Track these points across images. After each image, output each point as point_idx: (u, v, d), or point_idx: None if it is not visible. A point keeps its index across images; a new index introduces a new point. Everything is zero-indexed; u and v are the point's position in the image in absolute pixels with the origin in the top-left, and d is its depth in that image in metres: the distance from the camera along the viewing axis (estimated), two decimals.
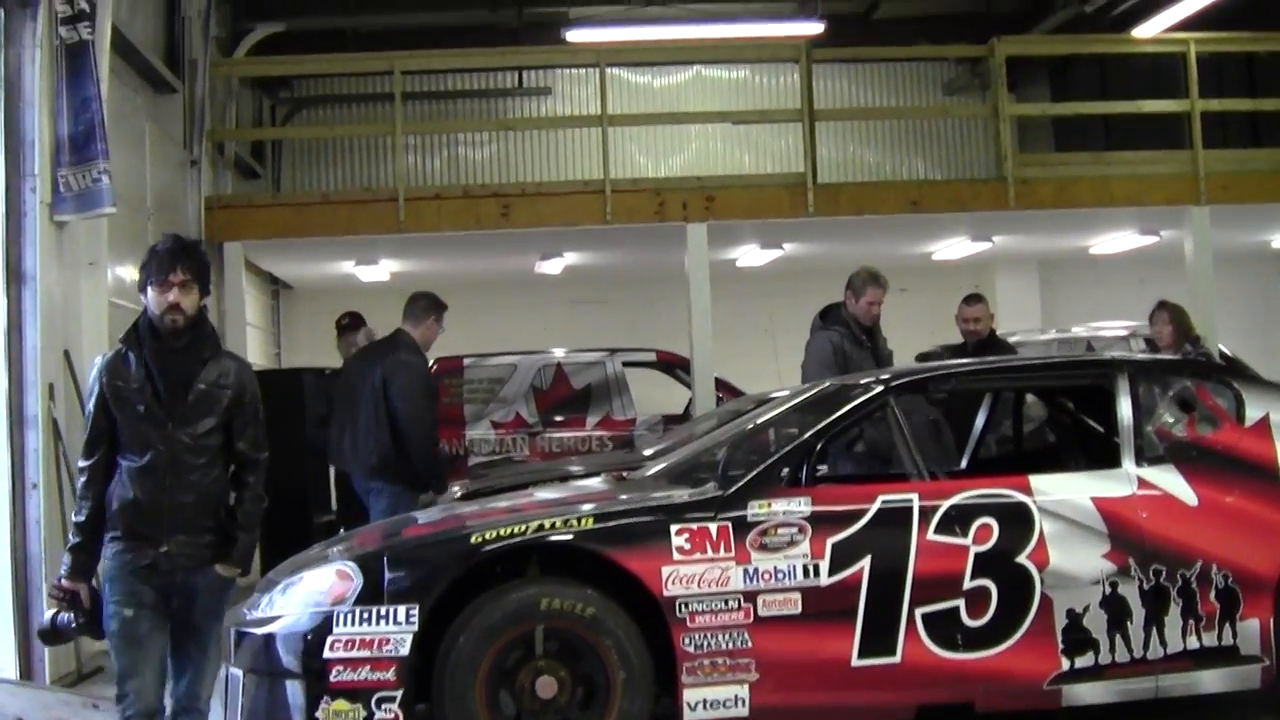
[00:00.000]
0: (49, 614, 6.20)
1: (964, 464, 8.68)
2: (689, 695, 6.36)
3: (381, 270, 18.09)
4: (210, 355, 6.09)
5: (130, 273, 11.77)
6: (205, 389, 6.03)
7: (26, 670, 8.65)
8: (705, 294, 14.83)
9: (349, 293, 19.97)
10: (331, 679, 6.14)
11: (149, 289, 5.94)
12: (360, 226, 14.81)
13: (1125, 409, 7.19)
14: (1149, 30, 16.55)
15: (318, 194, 17.67)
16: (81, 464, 6.04)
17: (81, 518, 6.03)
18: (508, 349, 16.07)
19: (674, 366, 16.02)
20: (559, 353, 16.28)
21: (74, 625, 6.10)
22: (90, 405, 6.07)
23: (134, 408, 5.92)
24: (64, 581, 6.08)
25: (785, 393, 10.12)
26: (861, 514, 6.61)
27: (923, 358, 11.97)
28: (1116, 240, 18.43)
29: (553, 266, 18.15)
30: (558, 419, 15.65)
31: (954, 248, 18.29)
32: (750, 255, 18.08)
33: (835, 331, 9.69)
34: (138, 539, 5.94)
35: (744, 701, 6.40)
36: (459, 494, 10.23)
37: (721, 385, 15.34)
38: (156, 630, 5.98)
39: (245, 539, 6.12)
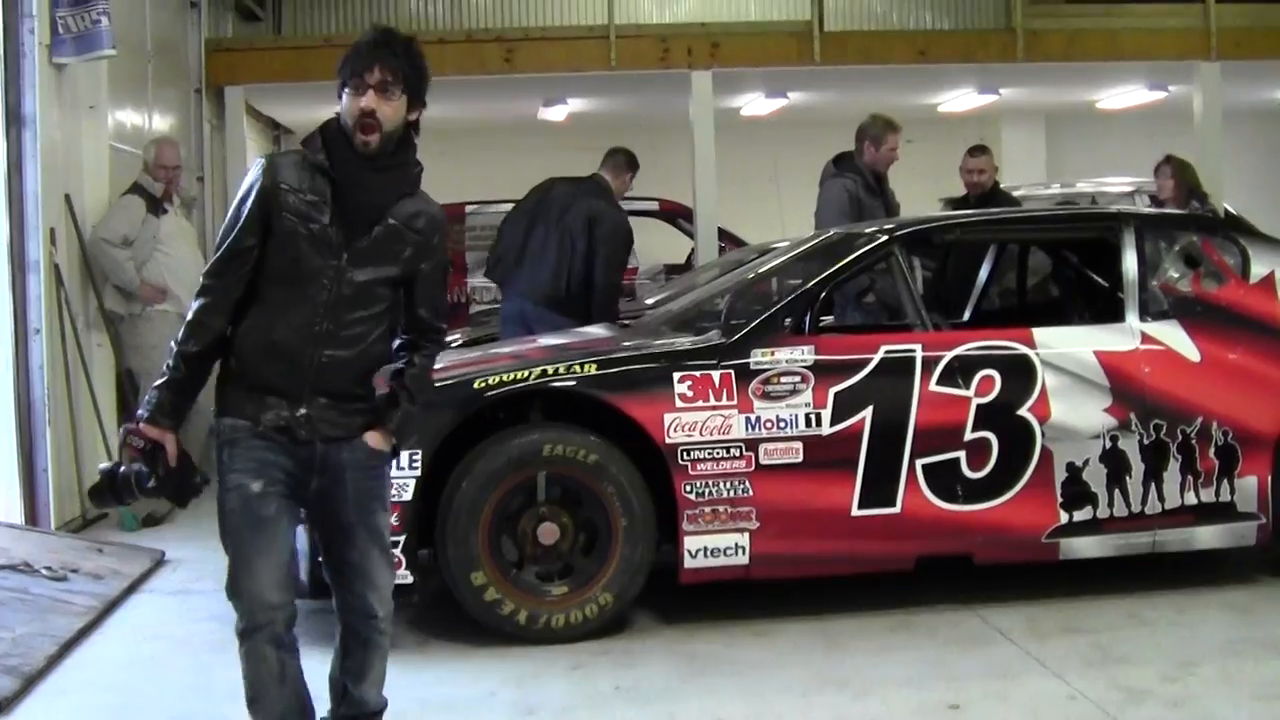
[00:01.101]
0: (109, 464, 4.78)
1: (967, 316, 8.68)
2: (689, 543, 6.41)
3: None
4: (409, 190, 4.78)
5: (130, 117, 11.68)
6: (395, 227, 4.72)
7: (32, 516, 8.71)
8: (709, 143, 14.72)
9: None
10: None
11: (344, 91, 4.62)
12: None
13: (1130, 263, 7.18)
14: None
15: (319, 37, 17.44)
16: (206, 281, 4.66)
17: (193, 347, 4.62)
18: (510, 196, 15.98)
19: (676, 216, 15.94)
20: None
21: (148, 483, 4.65)
22: (235, 210, 4.66)
23: (304, 225, 4.59)
24: (144, 426, 4.62)
25: (788, 242, 10.12)
26: (864, 364, 6.62)
27: (951, 203, 11.91)
28: (1124, 95, 18.28)
29: (556, 113, 18.03)
30: None
31: (960, 99, 18.15)
32: (755, 104, 17.94)
33: (849, 179, 9.67)
34: (271, 393, 4.61)
35: (744, 549, 6.45)
36: (460, 341, 10.26)
37: (724, 235, 15.28)
38: (285, 514, 4.71)
39: (407, 407, 4.82)
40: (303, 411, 4.60)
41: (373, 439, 4.74)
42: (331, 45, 14.97)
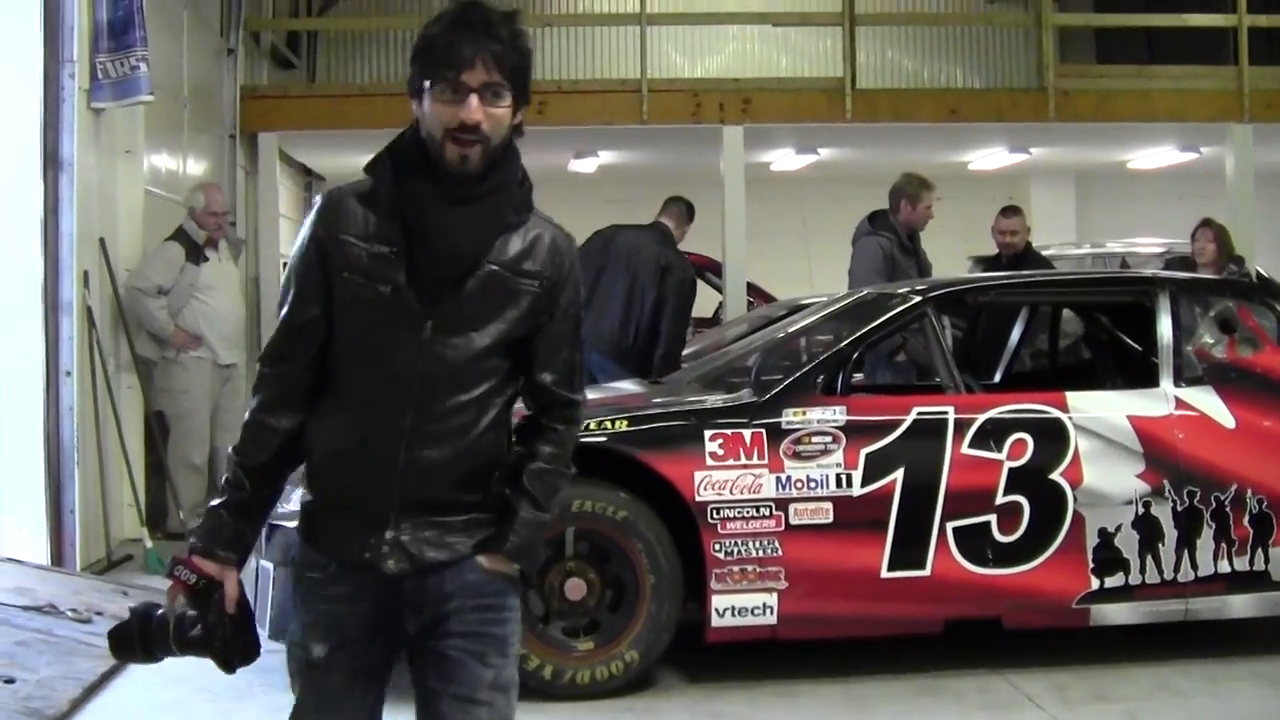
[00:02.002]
0: (140, 604, 3.56)
1: (998, 377, 8.66)
2: (717, 601, 6.38)
3: None
4: (516, 219, 3.45)
5: (166, 162, 11.74)
6: (498, 274, 3.39)
7: (57, 556, 8.70)
8: (740, 198, 14.74)
9: None
10: None
11: (425, 92, 3.33)
12: (396, 119, 14.26)
13: (1165, 327, 7.14)
14: None
15: (354, 86, 17.60)
16: (263, 369, 3.47)
17: (256, 457, 3.45)
18: None
19: (705, 269, 15.93)
20: None
21: (190, 631, 3.47)
22: (289, 272, 3.45)
23: (372, 287, 3.31)
24: (196, 558, 3.45)
25: (819, 299, 10.11)
26: (896, 425, 6.60)
27: (980, 261, 11.92)
28: (1156, 155, 18.29)
29: (587, 165, 18.09)
30: None
31: (991, 158, 18.18)
32: (785, 159, 17.99)
33: (884, 237, 9.70)
34: (350, 512, 3.41)
35: (772, 609, 6.41)
36: None
37: (753, 290, 15.29)
38: (356, 687, 3.49)
39: (531, 518, 3.48)
40: (390, 535, 3.36)
41: (489, 561, 3.42)
42: (365, 95, 15.14)
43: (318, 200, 3.47)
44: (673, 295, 9.73)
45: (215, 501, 3.52)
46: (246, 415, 3.48)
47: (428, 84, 3.32)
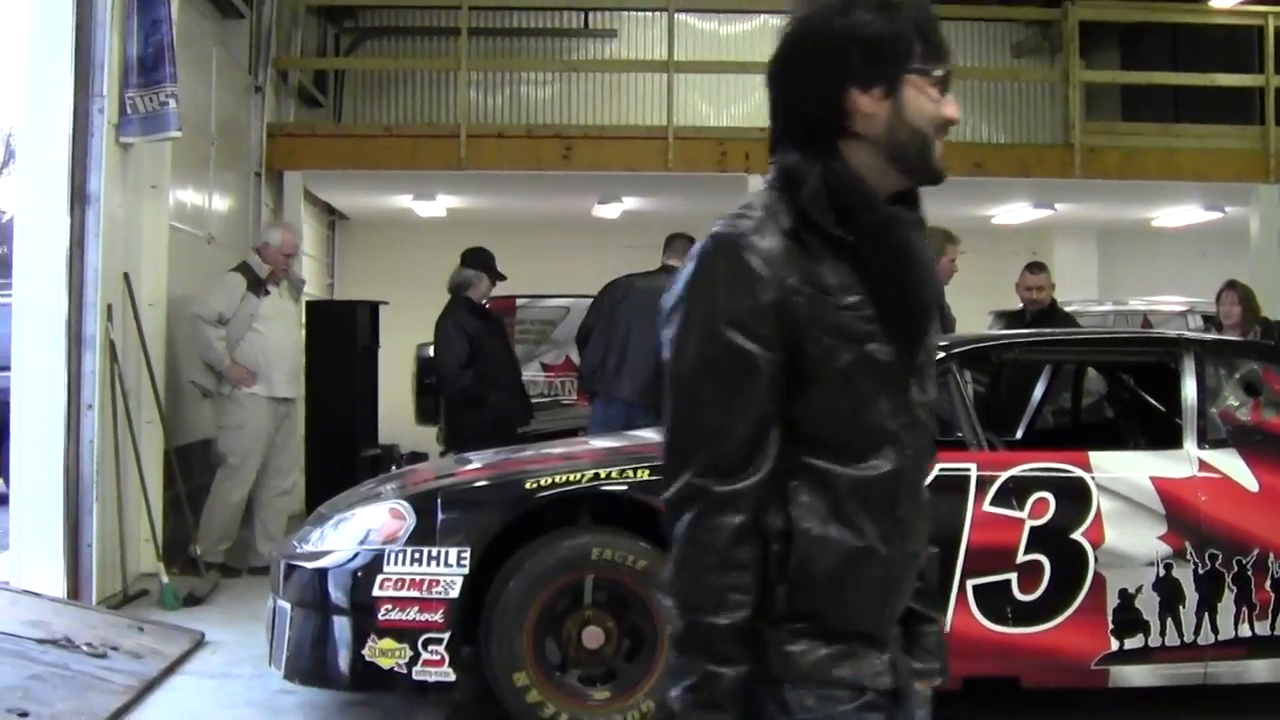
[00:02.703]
0: None
1: (1019, 434, 8.63)
2: None
3: (438, 206, 18.08)
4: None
5: (191, 198, 11.78)
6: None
7: (74, 590, 8.70)
8: None
9: (405, 227, 20.04)
10: (380, 617, 6.14)
11: (902, 84, 2.67)
12: (421, 161, 14.80)
13: (1190, 389, 7.09)
14: (1226, 1, 16.36)
15: (380, 126, 17.62)
16: (719, 487, 2.56)
17: (735, 608, 2.53)
18: (561, 291, 15.99)
19: None
20: None
21: None
22: (723, 351, 2.54)
23: (856, 348, 2.60)
24: None
25: None
26: None
27: (1001, 316, 11.88)
28: (1180, 214, 18.27)
29: (610, 210, 18.10)
30: None
31: (1015, 212, 18.17)
32: None
33: None
34: (857, 634, 2.65)
35: None
36: None
37: None
38: None
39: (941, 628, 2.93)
40: (888, 656, 2.67)
41: (925, 686, 2.84)
42: (391, 135, 15.21)
43: (707, 243, 2.65)
44: None
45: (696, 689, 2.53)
46: (695, 569, 2.55)
47: (910, 75, 2.66)
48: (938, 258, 9.75)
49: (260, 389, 10.18)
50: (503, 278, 11.01)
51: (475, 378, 10.36)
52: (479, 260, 10.86)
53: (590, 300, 15.75)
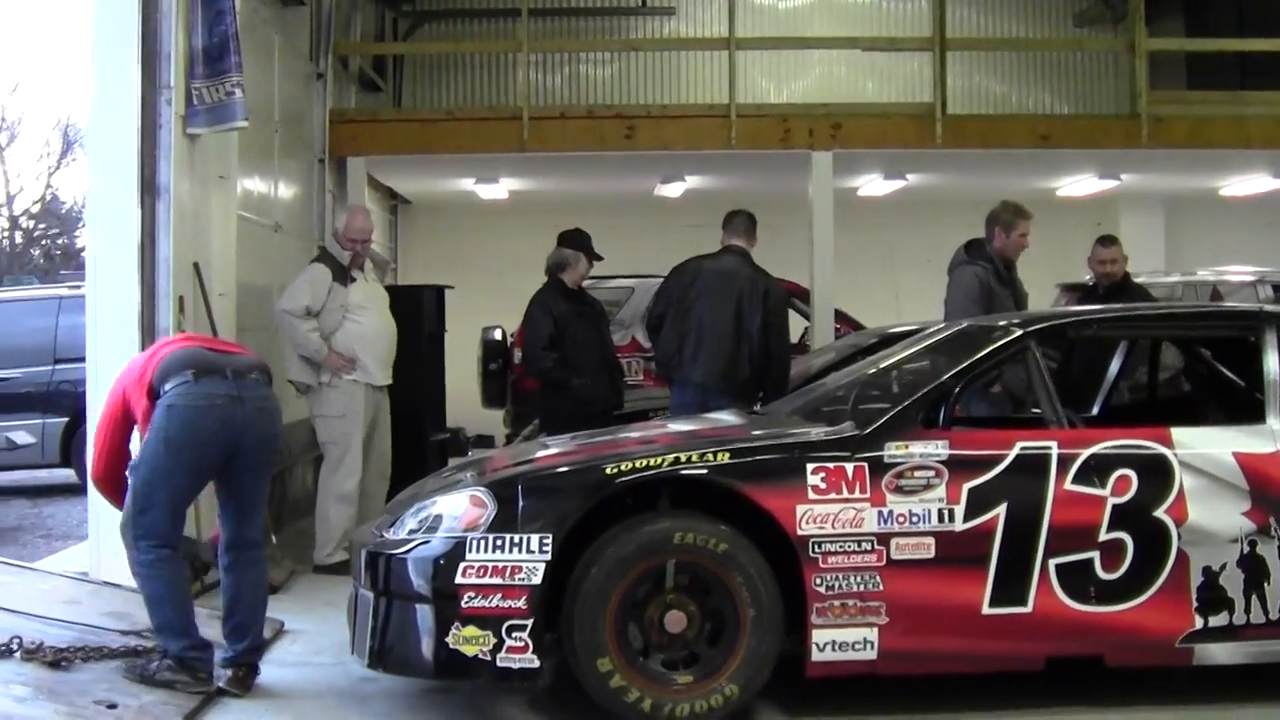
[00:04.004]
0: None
1: (1095, 410, 8.57)
2: (818, 636, 6.32)
3: (500, 189, 18.12)
4: None
5: (257, 186, 11.82)
6: None
7: None
8: (828, 224, 14.72)
9: (467, 210, 20.10)
10: (463, 605, 6.14)
11: None
12: (484, 144, 14.82)
13: (1272, 363, 7.03)
14: None
15: (442, 110, 17.68)
16: None
17: None
18: (624, 272, 15.96)
19: (792, 295, 15.85)
20: None
21: None
22: None
23: None
24: None
25: (907, 327, 10.02)
26: (999, 460, 6.52)
27: (1068, 289, 11.81)
28: (1248, 183, 18.10)
29: (673, 190, 18.09)
30: None
31: (1080, 184, 18.04)
32: (872, 185, 17.92)
33: (981, 266, 9.62)
34: None
35: (872, 644, 6.35)
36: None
37: (840, 317, 15.22)
38: None
39: None
40: None
41: None
42: (454, 119, 15.25)
43: None
44: (775, 317, 9.77)
45: None
46: None
47: None
48: (1008, 232, 9.70)
49: (359, 375, 10.17)
50: (599, 258, 10.95)
51: (559, 360, 10.34)
52: (576, 241, 10.81)
53: (653, 280, 15.89)
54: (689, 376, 9.76)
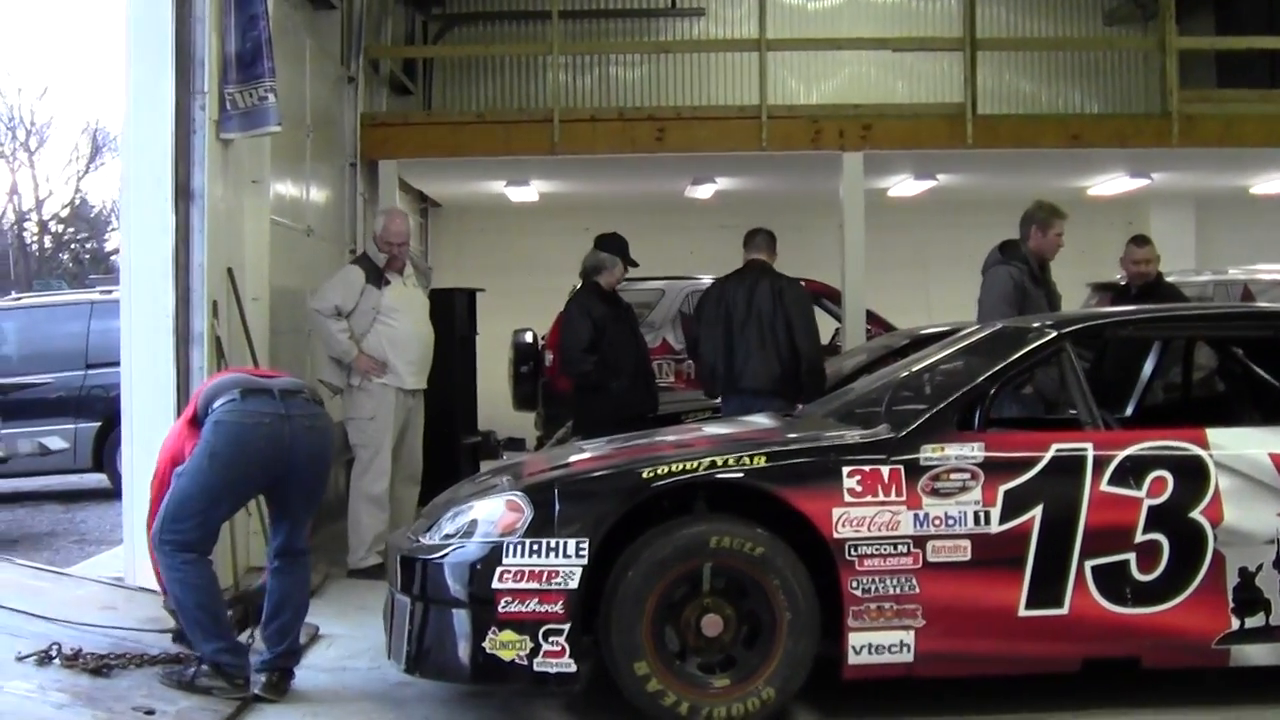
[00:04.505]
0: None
1: (1129, 411, 8.56)
2: (854, 639, 6.32)
3: (531, 191, 18.14)
4: None
5: (289, 190, 11.86)
6: None
7: None
8: (859, 225, 14.72)
9: (498, 213, 20.13)
10: (500, 609, 6.16)
11: None
12: (515, 147, 14.85)
13: None
14: None
15: (473, 113, 17.68)
16: None
17: None
18: (655, 273, 15.97)
19: (822, 297, 15.86)
20: (707, 279, 16.08)
21: None
22: None
23: None
24: None
25: (939, 328, 10.02)
26: (1035, 462, 6.52)
27: (1099, 289, 11.82)
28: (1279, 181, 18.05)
29: (703, 191, 18.10)
30: None
31: (1111, 183, 18.00)
32: (903, 185, 17.91)
33: (1015, 267, 9.62)
34: None
35: (909, 647, 6.35)
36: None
37: (871, 318, 15.22)
38: None
39: None
40: None
41: None
42: (484, 121, 15.27)
43: None
44: (795, 314, 9.95)
45: None
46: None
47: None
48: (1044, 231, 9.71)
49: (390, 379, 10.18)
50: (635, 264, 11.00)
51: (598, 364, 10.38)
52: (613, 245, 10.84)
53: (683, 282, 15.92)
54: (738, 386, 9.98)
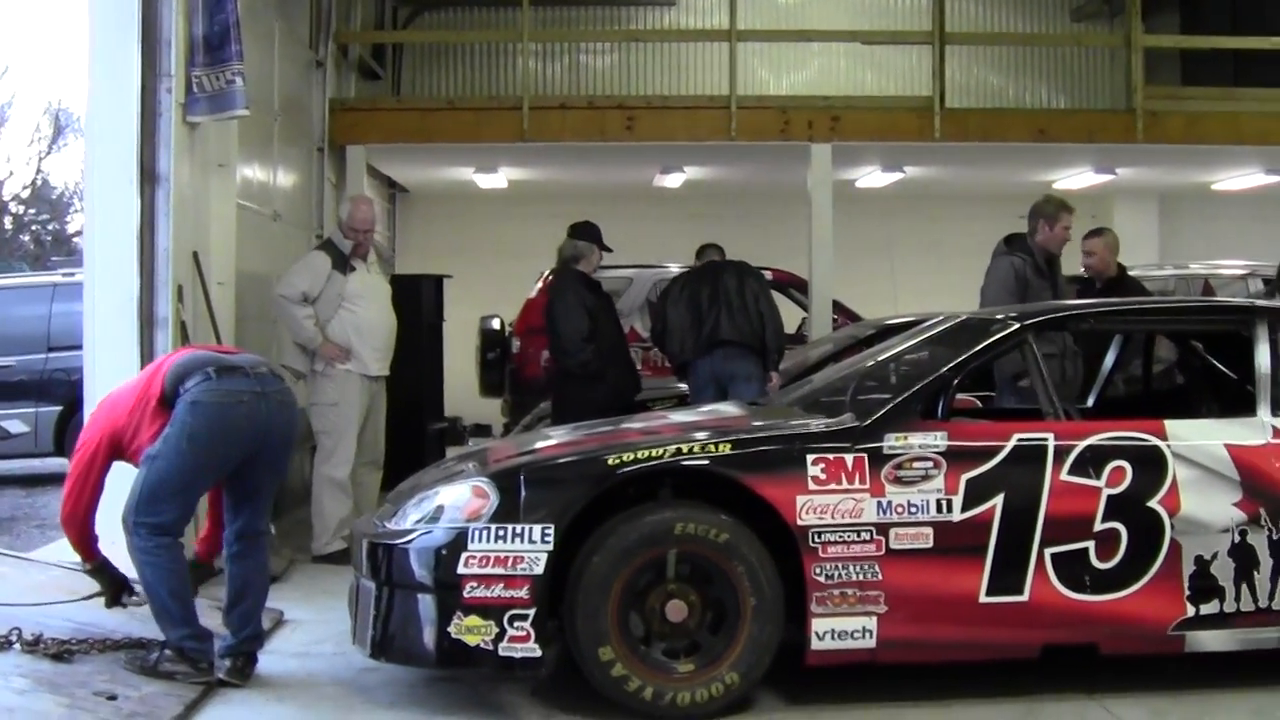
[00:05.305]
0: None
1: (1091, 402, 8.64)
2: (817, 625, 6.37)
3: (500, 178, 18.14)
4: None
5: (257, 174, 11.86)
6: None
7: None
8: (827, 216, 14.78)
9: (466, 199, 20.13)
10: (465, 595, 6.19)
11: None
12: (484, 134, 14.87)
13: (1263, 356, 7.10)
14: None
15: (442, 99, 17.71)
16: None
17: None
18: (624, 262, 15.98)
19: (789, 286, 15.92)
20: (675, 267, 16.11)
21: None
22: None
23: None
24: None
25: (906, 319, 10.10)
26: (996, 451, 6.58)
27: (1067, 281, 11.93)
28: (1240, 178, 18.17)
29: (672, 180, 18.12)
30: None
31: (1077, 178, 18.09)
32: (871, 177, 17.96)
33: (1019, 257, 9.74)
34: None
35: (871, 633, 6.41)
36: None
37: (838, 308, 15.27)
38: None
39: None
40: None
41: None
42: (454, 108, 15.30)
43: None
44: (758, 286, 10.94)
45: None
46: None
47: None
48: (1051, 225, 9.83)
49: (354, 366, 10.18)
50: (609, 250, 11.09)
51: (594, 352, 10.47)
52: (588, 233, 10.98)
53: (652, 270, 15.95)
54: (715, 339, 10.63)
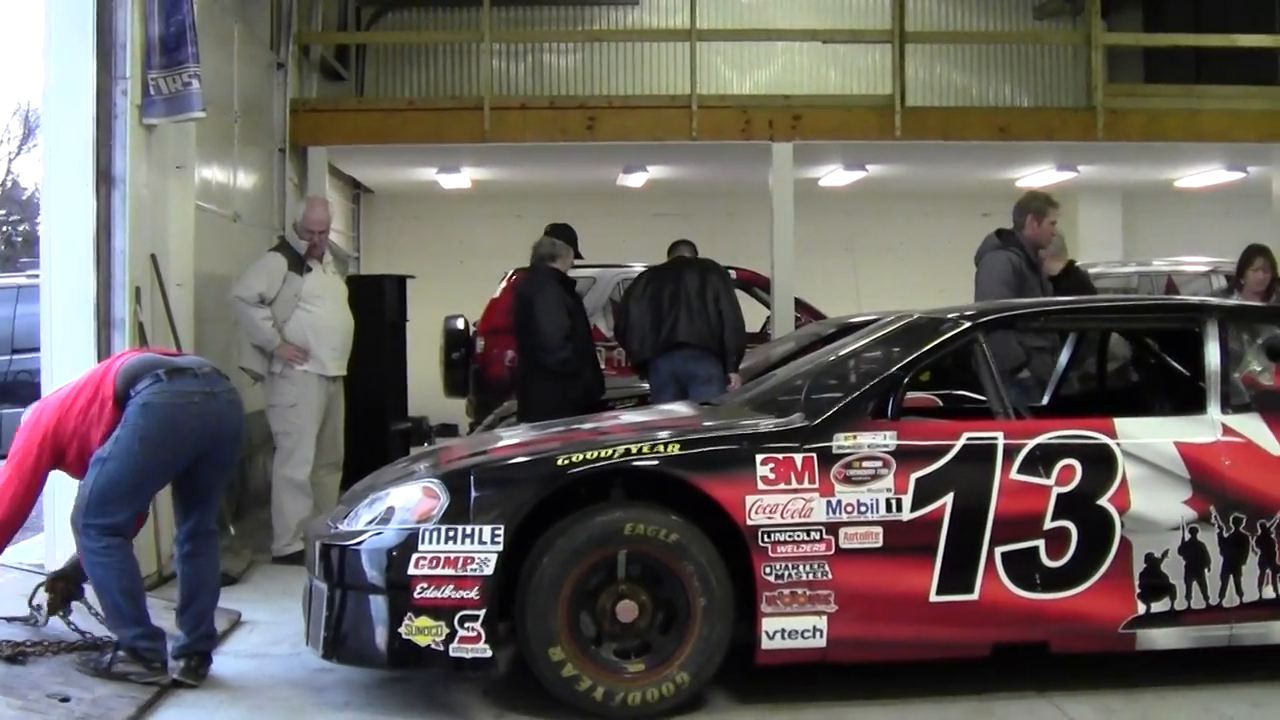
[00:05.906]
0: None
1: (1045, 401, 8.68)
2: (768, 624, 6.40)
3: (463, 178, 18.14)
4: None
5: (216, 176, 11.84)
6: None
7: None
8: (789, 214, 14.78)
9: (430, 199, 20.12)
10: (416, 595, 6.20)
11: None
12: (446, 134, 14.85)
13: (1213, 355, 7.14)
14: None
15: (404, 100, 17.69)
16: None
17: None
18: (587, 261, 15.99)
19: (752, 285, 15.94)
20: (639, 266, 16.13)
21: None
22: None
23: None
24: None
25: (867, 316, 10.14)
26: (946, 450, 6.61)
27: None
28: (1203, 175, 18.25)
29: (635, 179, 18.13)
30: None
31: (1039, 176, 18.14)
32: (833, 175, 18.00)
33: (1014, 253, 9.79)
34: None
35: (821, 632, 6.43)
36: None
37: (801, 306, 15.29)
38: None
39: None
40: None
41: None
42: (415, 109, 15.29)
43: None
44: (720, 285, 11.00)
45: None
46: None
47: None
48: (1039, 220, 9.89)
49: (311, 367, 10.18)
50: (581, 256, 11.32)
51: (574, 350, 10.64)
52: (564, 234, 11.07)
53: (615, 270, 15.98)
54: (673, 341, 10.70)
